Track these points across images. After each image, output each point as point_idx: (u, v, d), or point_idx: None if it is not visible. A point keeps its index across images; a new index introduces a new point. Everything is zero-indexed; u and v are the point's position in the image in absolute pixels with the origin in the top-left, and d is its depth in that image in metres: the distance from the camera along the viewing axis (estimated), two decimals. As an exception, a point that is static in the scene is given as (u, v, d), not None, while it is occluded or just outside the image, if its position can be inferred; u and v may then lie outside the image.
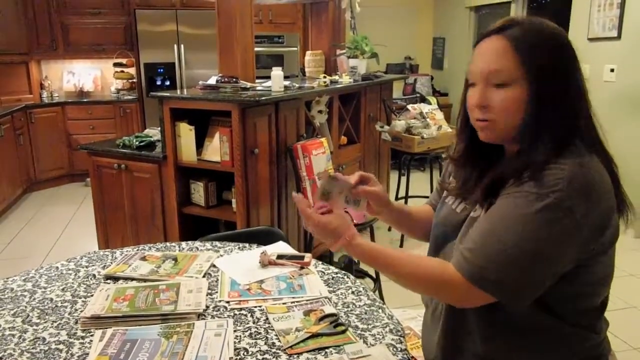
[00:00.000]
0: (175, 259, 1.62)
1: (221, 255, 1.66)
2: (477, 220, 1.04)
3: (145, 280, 1.48)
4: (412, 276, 1.05)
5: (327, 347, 1.16)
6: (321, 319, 1.26)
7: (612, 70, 4.13)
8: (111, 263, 1.61)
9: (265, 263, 1.57)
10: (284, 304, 1.35)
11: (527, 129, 0.98)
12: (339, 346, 1.16)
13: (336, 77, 3.68)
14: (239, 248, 1.74)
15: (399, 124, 3.73)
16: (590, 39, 4.31)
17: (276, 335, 1.21)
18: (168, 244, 1.79)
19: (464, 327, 1.09)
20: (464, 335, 1.10)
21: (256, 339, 1.20)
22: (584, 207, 0.91)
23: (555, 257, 0.94)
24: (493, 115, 1.01)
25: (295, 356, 1.13)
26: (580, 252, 0.95)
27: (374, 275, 2.97)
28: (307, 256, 1.60)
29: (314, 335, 1.19)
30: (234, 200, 2.74)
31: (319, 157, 2.95)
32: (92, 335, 1.21)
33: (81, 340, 1.19)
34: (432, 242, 1.23)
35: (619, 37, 4.03)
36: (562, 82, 0.98)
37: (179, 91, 3.70)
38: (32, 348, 1.16)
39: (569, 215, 0.90)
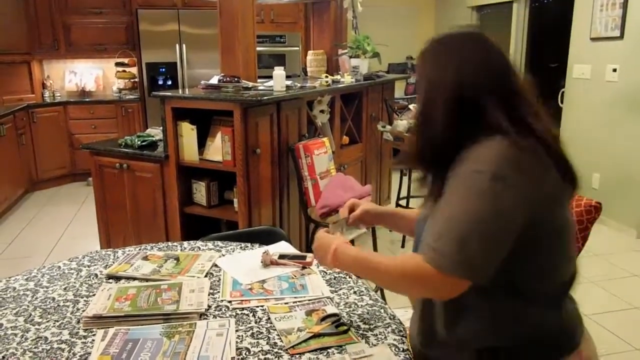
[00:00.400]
0: (177, 259, 1.62)
1: (223, 255, 1.66)
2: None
3: (147, 280, 1.48)
4: (389, 277, 1.09)
5: (329, 347, 1.16)
6: (323, 319, 1.26)
7: (614, 70, 4.12)
8: (113, 262, 1.61)
9: (267, 263, 1.57)
10: (285, 303, 1.35)
11: (439, 121, 1.09)
12: (341, 346, 1.16)
13: (338, 77, 3.68)
14: (240, 248, 1.74)
15: (401, 123, 3.72)
16: (593, 39, 4.31)
17: (278, 335, 1.21)
18: (170, 243, 1.79)
19: (433, 311, 1.15)
20: (435, 319, 1.14)
21: (258, 338, 1.20)
22: (518, 174, 0.98)
23: (507, 222, 0.99)
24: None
25: (297, 356, 1.13)
26: (528, 215, 1.00)
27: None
28: (309, 256, 1.60)
29: (316, 335, 1.19)
30: (235, 200, 2.74)
31: (320, 156, 2.94)
32: (94, 335, 1.21)
33: (83, 340, 1.19)
34: (414, 240, 1.26)
35: (621, 36, 4.02)
36: (446, 91, 1.07)
37: (180, 91, 3.70)
38: (35, 347, 1.16)
39: (508, 183, 0.97)
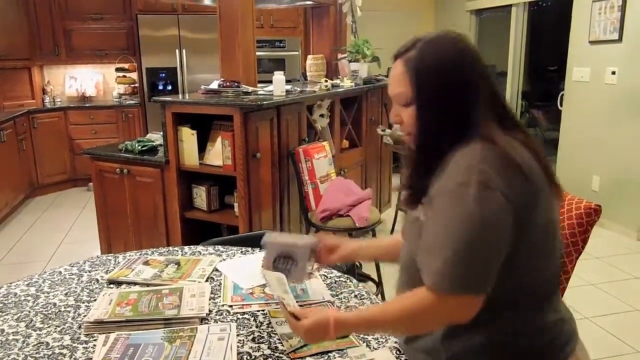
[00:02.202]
0: (178, 264, 1.63)
1: (224, 260, 1.66)
2: (418, 220, 1.10)
3: (148, 285, 1.48)
4: (402, 325, 1.07)
5: (330, 351, 1.16)
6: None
7: (613, 73, 4.13)
8: (114, 268, 1.61)
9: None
10: (286, 308, 1.35)
11: (420, 135, 1.10)
12: (342, 350, 1.16)
13: (337, 81, 3.69)
14: (241, 252, 1.74)
15: (401, 127, 3.73)
16: (592, 42, 4.32)
17: (279, 339, 1.21)
18: (171, 248, 1.80)
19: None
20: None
21: (259, 343, 1.20)
22: (504, 180, 0.97)
23: (500, 231, 0.98)
24: (410, 129, 1.12)
25: (298, 360, 1.13)
26: (515, 222, 0.99)
27: (376, 279, 2.97)
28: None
29: (317, 339, 1.19)
30: (236, 205, 2.74)
31: (320, 160, 2.95)
32: (95, 340, 1.21)
33: (84, 345, 1.19)
34: (402, 249, 1.24)
35: (620, 39, 4.03)
36: (444, 96, 1.06)
37: (181, 96, 3.71)
38: (36, 353, 1.16)
39: (494, 190, 0.97)
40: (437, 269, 0.98)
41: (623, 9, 3.97)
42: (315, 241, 1.36)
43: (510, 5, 5.50)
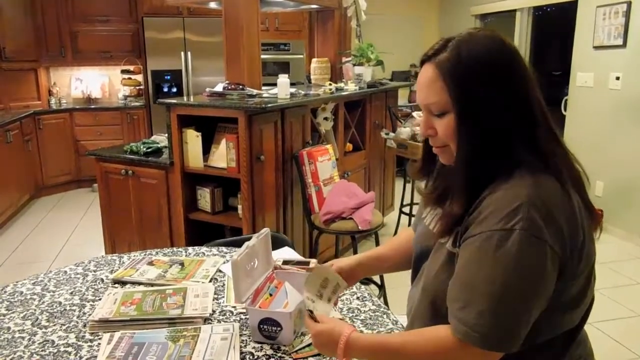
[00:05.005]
0: (182, 264, 1.64)
1: (227, 261, 1.68)
2: (445, 247, 1.01)
3: (152, 285, 1.50)
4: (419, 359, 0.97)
5: (333, 352, 1.17)
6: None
7: (617, 79, 4.13)
8: (119, 267, 1.62)
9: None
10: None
11: (462, 154, 0.96)
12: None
13: (342, 85, 3.70)
14: (245, 253, 1.75)
15: (404, 131, 3.73)
16: (596, 47, 4.32)
17: (282, 339, 1.22)
18: (175, 249, 1.81)
19: None
20: None
21: (262, 343, 1.21)
22: (551, 228, 0.88)
23: (541, 288, 0.89)
24: (444, 141, 1.01)
25: (300, 360, 1.14)
26: (559, 275, 0.91)
27: (378, 282, 2.97)
28: (313, 262, 1.61)
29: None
30: (239, 206, 2.75)
31: (324, 163, 2.96)
32: (100, 339, 1.22)
33: (89, 344, 1.20)
34: (413, 262, 1.19)
35: (624, 45, 4.04)
36: (489, 104, 0.93)
37: (186, 98, 3.73)
38: (42, 350, 1.18)
39: (540, 242, 0.87)
40: (468, 322, 0.89)
41: (627, 14, 3.98)
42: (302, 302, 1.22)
43: (514, 10, 5.51)
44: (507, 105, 0.93)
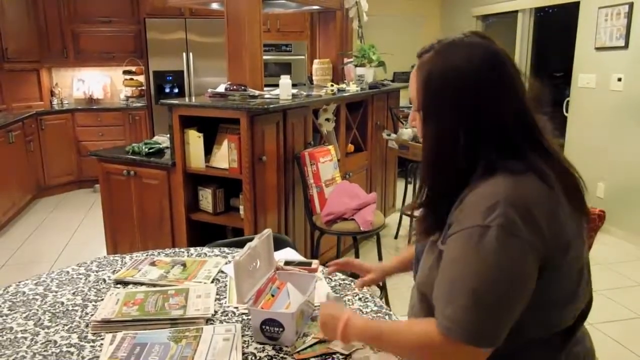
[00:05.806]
0: (184, 265, 1.64)
1: (229, 262, 1.68)
2: (436, 245, 1.03)
3: (154, 285, 1.50)
4: (407, 351, 1.02)
5: (335, 353, 1.17)
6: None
7: (619, 80, 4.13)
8: (121, 268, 1.63)
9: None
10: (291, 309, 1.36)
11: (424, 151, 1.02)
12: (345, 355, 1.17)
13: (343, 86, 3.71)
14: (246, 254, 1.75)
15: (406, 132, 3.73)
16: (598, 48, 4.32)
17: (284, 340, 1.22)
18: (177, 249, 1.81)
19: None
20: None
21: (264, 343, 1.21)
22: (530, 226, 0.89)
23: (521, 283, 0.90)
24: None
25: (302, 361, 1.14)
26: (541, 264, 0.92)
27: (380, 283, 2.97)
28: (315, 262, 1.61)
29: (322, 341, 1.20)
30: (241, 207, 2.76)
31: (326, 164, 2.96)
32: (102, 339, 1.22)
33: (92, 344, 1.21)
34: (414, 261, 1.20)
35: (626, 46, 4.03)
36: (451, 112, 0.97)
37: (187, 99, 3.74)
38: (44, 350, 1.18)
39: (516, 238, 0.88)
40: (449, 316, 0.91)
41: (629, 15, 3.97)
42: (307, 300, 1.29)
43: (516, 11, 5.51)
44: (472, 114, 0.96)
